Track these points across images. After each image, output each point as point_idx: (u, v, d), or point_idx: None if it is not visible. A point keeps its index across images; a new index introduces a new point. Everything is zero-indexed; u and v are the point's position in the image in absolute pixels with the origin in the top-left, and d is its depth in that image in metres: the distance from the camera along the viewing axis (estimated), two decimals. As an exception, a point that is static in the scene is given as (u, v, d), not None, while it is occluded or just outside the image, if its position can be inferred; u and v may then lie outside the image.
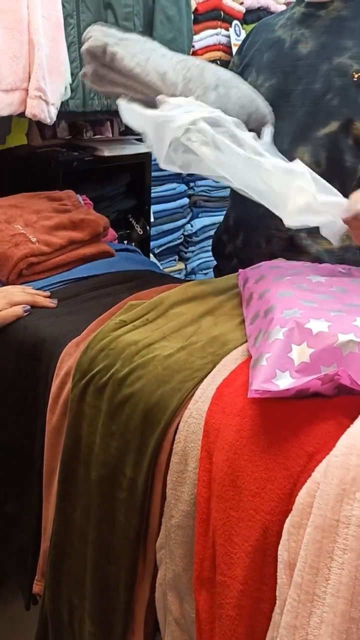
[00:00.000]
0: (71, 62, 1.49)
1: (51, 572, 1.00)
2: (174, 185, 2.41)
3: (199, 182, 2.56)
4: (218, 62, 2.37)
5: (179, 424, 0.83)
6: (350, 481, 0.61)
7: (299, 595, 0.62)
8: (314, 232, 1.08)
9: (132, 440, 0.86)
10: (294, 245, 1.27)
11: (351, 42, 1.25)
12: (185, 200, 2.51)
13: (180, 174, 2.43)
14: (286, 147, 1.20)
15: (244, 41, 1.49)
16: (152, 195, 2.16)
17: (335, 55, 1.25)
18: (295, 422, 0.71)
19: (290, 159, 1.00)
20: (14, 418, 1.11)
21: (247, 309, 0.95)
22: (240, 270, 1.10)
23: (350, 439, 0.65)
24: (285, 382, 0.72)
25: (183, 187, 2.47)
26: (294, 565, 0.64)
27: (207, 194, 2.61)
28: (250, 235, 1.35)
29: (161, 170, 2.31)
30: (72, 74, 1.51)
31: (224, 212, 2.83)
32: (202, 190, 2.58)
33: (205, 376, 0.86)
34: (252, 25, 2.56)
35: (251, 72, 1.37)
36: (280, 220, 0.94)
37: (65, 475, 0.96)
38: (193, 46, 2.16)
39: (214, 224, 2.71)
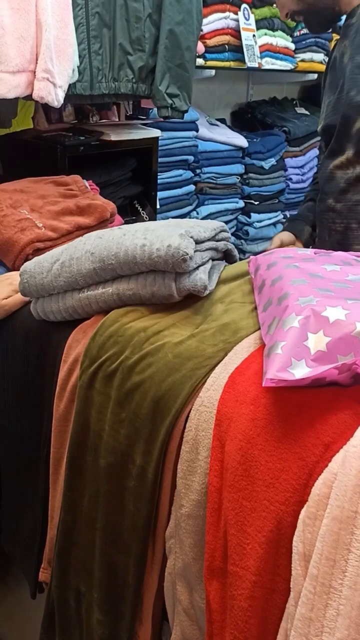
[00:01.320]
0: (79, 43, 1.46)
1: (58, 560, 0.99)
2: (180, 171, 2.38)
3: (206, 169, 2.52)
4: (226, 46, 2.33)
5: (190, 412, 0.81)
6: (368, 472, 0.59)
7: (315, 587, 0.61)
8: None
9: (142, 428, 0.85)
10: (347, 236, 1.41)
11: None
12: (192, 188, 2.48)
13: (186, 161, 2.39)
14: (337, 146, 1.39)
15: None
16: (158, 181, 2.14)
17: (357, 53, 1.32)
18: (310, 412, 0.70)
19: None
20: (21, 405, 1.09)
21: (260, 296, 0.93)
22: (251, 257, 1.08)
23: (368, 429, 0.63)
24: (301, 371, 0.70)
25: (189, 173, 2.44)
26: (309, 556, 0.63)
27: (214, 181, 2.58)
28: (320, 230, 1.52)
29: (167, 156, 2.29)
30: (79, 56, 1.48)
31: (230, 200, 2.80)
32: (209, 178, 2.55)
33: (217, 364, 0.84)
34: (261, 10, 2.52)
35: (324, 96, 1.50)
36: (335, 213, 1.20)
37: (73, 463, 0.95)
38: (202, 29, 2.12)
39: (220, 211, 2.68)
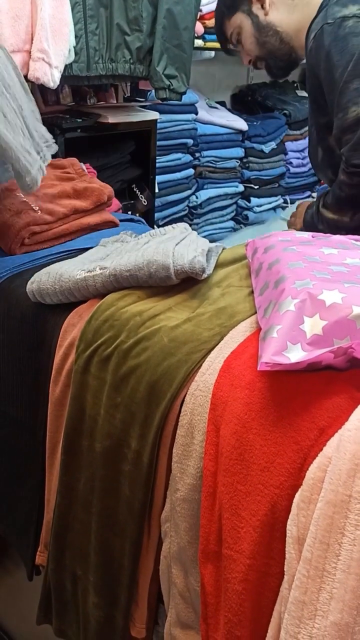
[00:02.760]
0: (75, 23, 1.43)
1: (55, 543, 0.99)
2: (179, 155, 2.36)
3: (205, 153, 2.50)
4: (225, 27, 2.29)
5: (185, 396, 0.81)
6: (363, 456, 0.59)
7: (308, 570, 0.60)
8: None
9: (137, 413, 0.85)
10: None
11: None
12: (191, 171, 2.46)
13: (185, 144, 2.37)
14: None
15: None
16: (157, 165, 2.12)
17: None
18: (306, 396, 0.69)
19: None
20: (17, 390, 1.09)
21: (256, 279, 0.92)
22: (249, 240, 1.07)
23: (363, 413, 0.63)
24: (296, 354, 0.69)
25: (188, 157, 2.41)
26: (303, 540, 0.63)
27: (213, 165, 2.55)
28: None
29: (166, 139, 2.27)
30: (76, 36, 1.46)
31: (229, 184, 2.77)
32: (208, 161, 2.53)
33: (213, 348, 0.84)
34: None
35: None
36: None
37: (68, 447, 0.94)
38: (201, 10, 2.09)
39: (219, 195, 2.66)
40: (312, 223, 1.44)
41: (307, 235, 1.02)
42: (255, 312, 0.88)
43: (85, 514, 0.94)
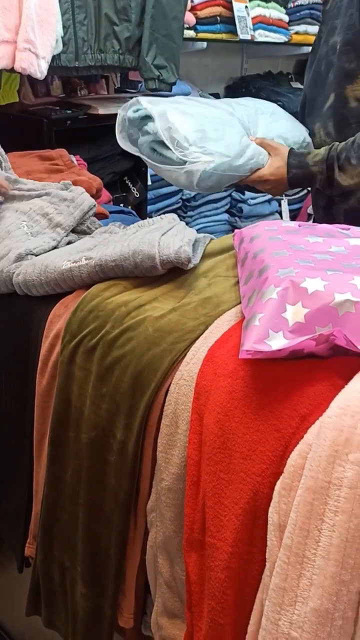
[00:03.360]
0: (63, 13, 1.42)
1: (42, 534, 0.99)
2: (172, 147, 2.34)
3: (198, 145, 2.49)
4: (218, 17, 2.28)
5: (169, 386, 0.81)
6: (343, 442, 0.59)
7: (289, 557, 0.60)
8: None
9: (122, 403, 0.85)
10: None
11: (338, 20, 1.32)
12: (184, 163, 2.45)
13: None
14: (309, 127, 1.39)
15: None
16: (149, 157, 2.10)
17: (330, 36, 1.33)
18: (288, 383, 0.69)
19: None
20: (5, 381, 1.09)
21: (242, 269, 0.92)
22: (236, 230, 1.07)
23: (344, 400, 0.63)
24: (278, 342, 0.69)
25: (181, 149, 2.40)
26: (284, 527, 0.63)
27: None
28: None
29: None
30: (63, 27, 1.45)
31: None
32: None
33: (197, 338, 0.84)
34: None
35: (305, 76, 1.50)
36: None
37: (55, 438, 0.94)
38: (192, 0, 2.08)
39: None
40: (305, 178, 1.30)
41: (293, 224, 1.01)
42: (241, 302, 0.88)
43: (73, 505, 0.94)
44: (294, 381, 0.69)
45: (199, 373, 0.78)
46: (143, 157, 1.26)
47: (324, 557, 0.58)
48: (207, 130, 1.21)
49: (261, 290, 0.76)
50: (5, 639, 1.44)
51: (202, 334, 0.84)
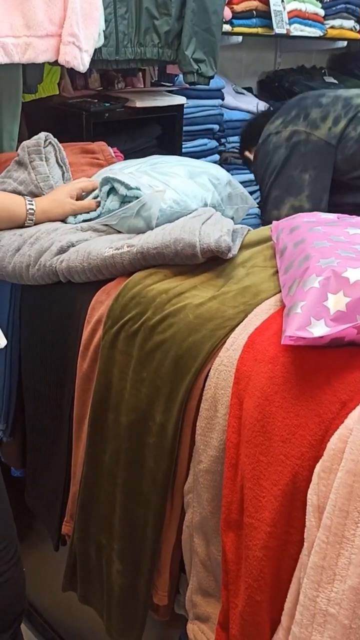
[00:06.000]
0: (105, 7, 1.44)
1: (80, 513, 1.02)
2: (205, 140, 2.36)
3: (230, 139, 2.49)
4: (254, 11, 2.28)
5: (209, 371, 0.83)
6: (384, 427, 0.60)
7: (328, 537, 0.62)
8: None
9: (162, 387, 0.87)
10: None
11: None
12: (216, 157, 2.45)
13: (211, 129, 2.37)
14: None
15: None
16: (183, 150, 2.12)
17: None
18: (328, 370, 0.71)
19: None
20: (46, 365, 1.12)
21: (281, 259, 0.93)
22: (273, 221, 1.08)
23: (385, 386, 0.64)
24: (320, 329, 0.71)
25: (214, 143, 2.41)
26: (323, 508, 0.64)
27: (239, 151, 2.55)
28: None
29: (192, 124, 2.27)
30: (105, 20, 1.47)
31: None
32: (234, 147, 2.52)
33: (237, 325, 0.86)
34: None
35: None
36: None
37: (95, 420, 0.97)
38: (229, -6, 2.08)
39: (244, 182, 2.64)
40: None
41: (332, 216, 1.03)
42: (279, 291, 0.90)
43: (110, 485, 0.97)
44: (334, 368, 0.71)
45: (239, 359, 0.80)
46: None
47: (363, 537, 0.60)
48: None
49: (302, 279, 0.78)
50: (34, 616, 1.48)
51: (241, 321, 0.86)
